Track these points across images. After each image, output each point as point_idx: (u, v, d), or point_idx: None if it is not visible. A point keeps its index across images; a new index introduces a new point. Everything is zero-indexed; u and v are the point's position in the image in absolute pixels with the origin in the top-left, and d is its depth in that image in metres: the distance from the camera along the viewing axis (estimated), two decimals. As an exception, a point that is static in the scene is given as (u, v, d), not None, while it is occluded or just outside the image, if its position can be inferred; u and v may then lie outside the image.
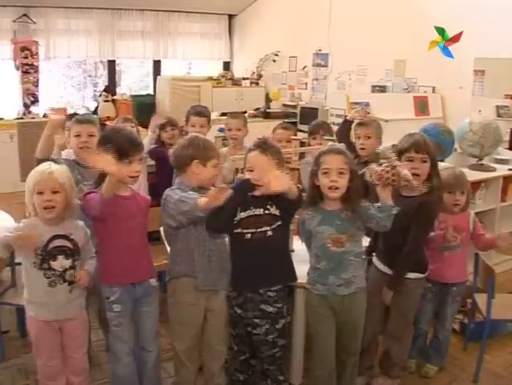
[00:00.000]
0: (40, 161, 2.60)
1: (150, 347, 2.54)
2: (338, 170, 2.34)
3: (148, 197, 2.63)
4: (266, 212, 2.40)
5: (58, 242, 2.28)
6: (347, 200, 2.37)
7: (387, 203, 2.33)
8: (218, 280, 2.48)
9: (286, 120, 5.91)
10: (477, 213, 4.01)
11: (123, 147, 2.31)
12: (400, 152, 2.63)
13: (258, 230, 2.39)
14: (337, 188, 2.34)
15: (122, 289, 2.39)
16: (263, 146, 2.41)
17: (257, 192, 2.35)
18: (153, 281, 2.51)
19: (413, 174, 2.52)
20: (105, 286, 2.41)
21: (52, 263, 2.26)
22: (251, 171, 2.38)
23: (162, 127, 4.06)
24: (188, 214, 2.30)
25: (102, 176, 2.30)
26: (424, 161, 2.58)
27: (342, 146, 2.64)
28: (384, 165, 2.31)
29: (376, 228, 2.42)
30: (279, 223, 2.42)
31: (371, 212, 2.35)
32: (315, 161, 2.41)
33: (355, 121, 3.41)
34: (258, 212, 2.40)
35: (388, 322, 2.77)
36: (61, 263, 2.28)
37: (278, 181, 2.20)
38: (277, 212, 2.41)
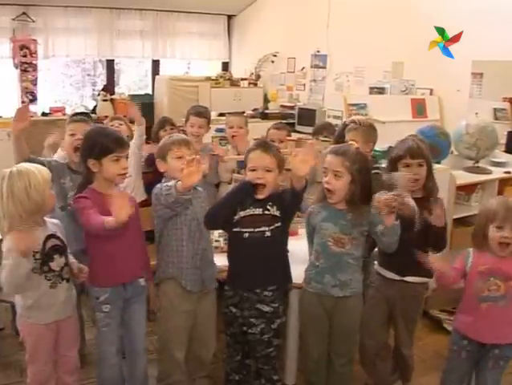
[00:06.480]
0: None
1: (141, 349, 2.53)
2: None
3: (133, 197, 2.63)
4: (266, 212, 2.40)
5: (51, 242, 2.27)
6: (350, 201, 2.39)
7: (391, 226, 2.30)
8: (205, 281, 2.54)
9: (283, 121, 5.90)
10: (472, 216, 4.06)
11: (108, 145, 2.33)
12: (396, 160, 2.61)
13: (256, 230, 2.39)
14: None
15: (112, 289, 2.38)
16: (264, 145, 2.44)
17: (259, 196, 2.38)
18: (142, 281, 2.50)
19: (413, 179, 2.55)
20: (95, 287, 2.40)
21: (51, 264, 2.25)
22: (253, 170, 2.38)
23: (161, 126, 4.06)
24: (175, 203, 2.33)
25: (87, 181, 2.32)
26: (421, 165, 2.58)
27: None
28: (391, 194, 2.28)
29: (384, 247, 2.44)
30: (278, 224, 2.42)
31: (376, 228, 2.36)
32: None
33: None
34: (257, 212, 2.40)
35: (398, 333, 2.73)
36: (58, 262, 2.28)
37: (302, 165, 2.22)
38: (277, 213, 2.41)
